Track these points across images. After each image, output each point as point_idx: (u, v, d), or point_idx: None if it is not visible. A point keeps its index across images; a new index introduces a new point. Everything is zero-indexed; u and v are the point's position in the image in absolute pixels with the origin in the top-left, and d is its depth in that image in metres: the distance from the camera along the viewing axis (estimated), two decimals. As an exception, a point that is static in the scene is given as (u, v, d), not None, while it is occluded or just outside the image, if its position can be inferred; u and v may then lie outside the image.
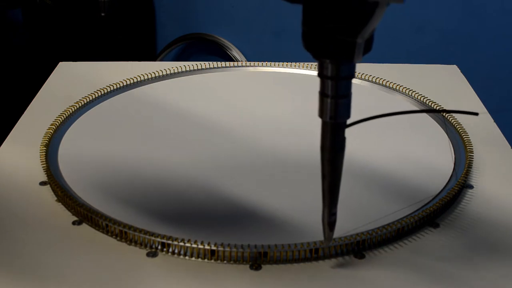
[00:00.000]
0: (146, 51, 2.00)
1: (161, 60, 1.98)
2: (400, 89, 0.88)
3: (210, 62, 0.97)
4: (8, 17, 1.96)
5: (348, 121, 0.51)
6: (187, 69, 0.95)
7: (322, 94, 0.49)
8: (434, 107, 0.83)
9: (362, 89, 0.90)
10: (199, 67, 0.96)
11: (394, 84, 0.89)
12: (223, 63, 0.98)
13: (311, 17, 0.46)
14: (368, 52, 0.48)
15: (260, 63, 0.98)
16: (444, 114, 0.80)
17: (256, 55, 1.88)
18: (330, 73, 0.48)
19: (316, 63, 0.99)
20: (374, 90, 0.89)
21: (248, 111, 0.84)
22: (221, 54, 1.94)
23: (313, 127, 0.80)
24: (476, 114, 0.53)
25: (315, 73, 1.03)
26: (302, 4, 0.46)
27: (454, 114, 0.79)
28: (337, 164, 0.52)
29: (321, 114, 0.50)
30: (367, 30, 0.45)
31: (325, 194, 0.53)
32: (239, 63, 0.99)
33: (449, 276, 0.54)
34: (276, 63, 0.98)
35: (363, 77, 0.92)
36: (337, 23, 0.45)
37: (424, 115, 0.82)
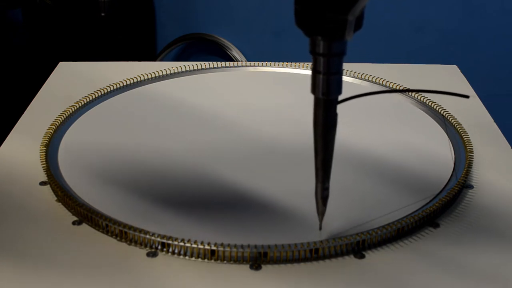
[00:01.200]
0: (146, 51, 2.00)
1: (161, 60, 1.98)
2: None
3: (210, 62, 0.97)
4: (8, 17, 1.96)
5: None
6: (187, 69, 0.95)
7: (314, 71, 0.51)
8: (434, 107, 0.83)
9: (362, 89, 0.90)
10: (199, 67, 0.96)
11: (394, 84, 0.89)
12: (223, 63, 0.98)
13: None
14: (359, 29, 0.49)
15: (260, 63, 0.98)
16: (444, 114, 0.80)
17: (256, 55, 1.88)
18: (322, 50, 0.50)
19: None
20: (374, 90, 0.89)
21: (249, 111, 0.84)
22: (221, 54, 1.93)
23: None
24: (467, 97, 0.54)
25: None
26: None
27: (453, 114, 0.80)
28: (329, 140, 0.53)
29: (314, 90, 0.52)
30: (357, 8, 0.46)
31: (318, 170, 0.55)
32: (239, 63, 0.99)
33: (449, 276, 0.54)
34: (276, 63, 0.98)
35: (363, 77, 0.92)
36: (328, 0, 0.46)
37: (425, 115, 0.82)
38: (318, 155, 0.54)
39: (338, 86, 0.51)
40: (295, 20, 0.49)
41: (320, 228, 0.57)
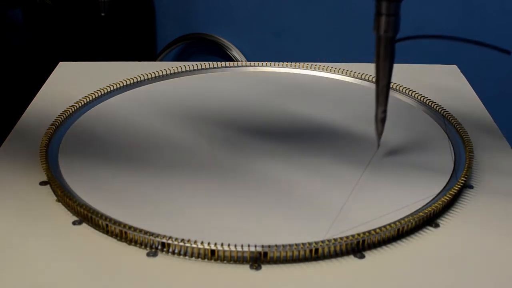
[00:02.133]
0: (146, 51, 2.00)
1: (161, 60, 1.98)
2: (400, 89, 0.88)
3: (210, 62, 0.97)
4: (8, 17, 1.96)
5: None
6: (187, 69, 0.95)
7: (378, 14, 0.63)
8: (434, 107, 0.83)
9: (362, 89, 0.90)
10: (199, 67, 0.96)
11: (394, 84, 0.89)
12: (223, 63, 0.98)
13: None
14: None
15: (260, 63, 0.98)
16: (444, 114, 0.80)
17: (256, 55, 1.88)
18: None
19: (315, 64, 0.99)
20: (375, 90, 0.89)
21: (248, 111, 0.84)
22: (221, 54, 1.94)
23: (314, 126, 0.80)
24: (509, 53, 0.63)
25: (315, 73, 1.03)
26: None
27: (453, 114, 0.80)
28: (388, 70, 0.66)
29: (377, 30, 0.64)
30: None
31: (379, 95, 0.67)
32: (239, 63, 0.99)
33: (449, 276, 0.54)
34: (276, 63, 0.98)
35: (363, 77, 0.92)
36: None
37: (425, 115, 0.82)
38: (380, 82, 0.66)
39: (396, 25, 0.63)
40: None
41: (378, 146, 0.70)
